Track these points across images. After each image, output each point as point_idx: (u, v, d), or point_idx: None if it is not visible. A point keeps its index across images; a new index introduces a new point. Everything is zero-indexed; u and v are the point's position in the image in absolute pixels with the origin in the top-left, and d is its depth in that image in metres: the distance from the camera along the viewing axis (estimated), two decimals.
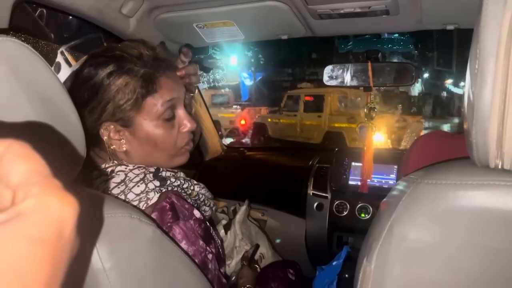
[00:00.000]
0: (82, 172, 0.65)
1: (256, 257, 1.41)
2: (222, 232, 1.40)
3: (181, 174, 1.02)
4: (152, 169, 0.95)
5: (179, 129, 1.00)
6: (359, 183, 1.74)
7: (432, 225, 0.56)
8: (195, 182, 1.05)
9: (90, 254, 0.57)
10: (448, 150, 0.83)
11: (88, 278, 0.58)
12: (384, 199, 0.67)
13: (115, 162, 0.94)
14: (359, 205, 1.70)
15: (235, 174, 2.12)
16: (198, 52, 1.76)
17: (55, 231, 0.25)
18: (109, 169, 0.92)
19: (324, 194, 1.78)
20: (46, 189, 0.27)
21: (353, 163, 1.81)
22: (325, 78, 1.72)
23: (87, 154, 0.99)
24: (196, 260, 0.86)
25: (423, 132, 11.06)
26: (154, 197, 0.88)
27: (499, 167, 0.53)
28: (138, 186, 0.89)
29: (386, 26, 1.44)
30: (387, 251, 0.59)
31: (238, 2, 1.31)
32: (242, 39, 1.58)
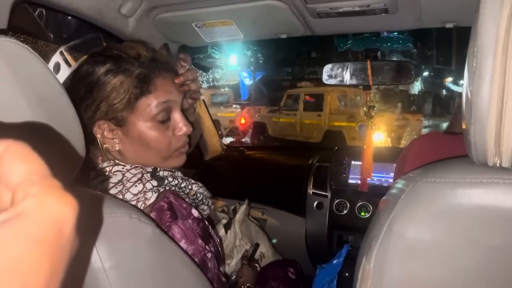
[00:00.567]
0: (80, 171, 0.65)
1: (256, 256, 1.41)
2: (222, 231, 1.40)
3: (179, 174, 1.02)
4: (150, 169, 0.95)
5: (174, 131, 0.99)
6: (359, 181, 1.75)
7: (431, 223, 0.56)
8: (192, 181, 1.05)
9: (90, 254, 0.57)
10: (444, 150, 0.83)
11: (88, 278, 0.58)
12: (383, 198, 0.67)
13: (112, 161, 0.94)
14: (359, 204, 1.70)
15: (235, 173, 2.12)
16: (197, 51, 1.76)
17: (55, 230, 0.26)
18: (107, 169, 0.92)
19: (324, 193, 1.78)
20: (46, 189, 0.27)
21: (353, 162, 1.81)
22: (324, 77, 1.72)
23: (86, 153, 1.00)
24: (196, 259, 0.86)
25: (423, 130, 11.07)
26: (152, 197, 0.88)
27: (497, 165, 0.53)
28: (136, 186, 0.89)
29: (385, 24, 1.44)
30: (386, 250, 0.59)
31: (237, 1, 1.31)
32: (241, 38, 1.58)
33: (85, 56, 1.01)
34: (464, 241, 0.55)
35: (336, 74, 1.70)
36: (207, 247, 0.91)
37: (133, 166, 0.93)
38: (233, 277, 1.27)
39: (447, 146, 0.87)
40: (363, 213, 1.68)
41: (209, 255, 0.91)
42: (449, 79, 19.00)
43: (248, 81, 19.18)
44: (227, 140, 10.56)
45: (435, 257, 0.57)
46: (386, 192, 0.70)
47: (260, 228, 1.58)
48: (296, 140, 10.77)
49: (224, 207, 1.63)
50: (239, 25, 1.46)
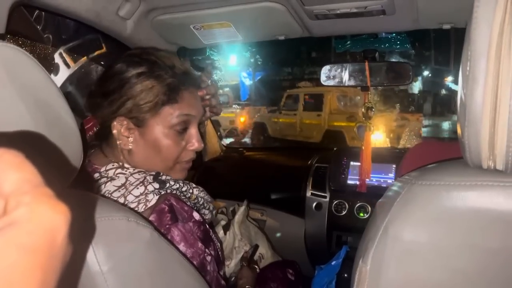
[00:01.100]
0: (83, 173, 0.65)
1: (256, 257, 1.42)
2: (221, 232, 1.40)
3: None
4: (153, 173, 0.96)
5: (186, 145, 1.03)
6: (357, 182, 1.75)
7: (427, 226, 0.56)
8: (194, 185, 1.06)
9: (85, 257, 0.58)
10: (443, 157, 0.83)
11: (86, 281, 0.58)
12: (380, 200, 0.67)
13: (116, 164, 0.95)
14: (358, 205, 1.70)
15: (234, 174, 2.12)
16: (196, 53, 1.77)
17: (47, 239, 0.26)
18: (110, 172, 0.93)
19: (323, 194, 1.79)
20: (38, 198, 0.27)
21: (351, 163, 1.81)
22: (323, 78, 1.72)
23: (94, 151, 1.01)
24: (195, 262, 0.86)
25: (423, 130, 11.08)
26: (153, 199, 0.88)
27: (492, 167, 0.53)
28: (138, 188, 0.90)
29: (382, 26, 1.44)
30: (383, 252, 0.59)
31: (234, 3, 1.32)
32: (239, 40, 1.58)
33: (83, 58, 1.04)
34: (460, 243, 0.56)
35: (334, 75, 1.70)
36: (207, 250, 0.91)
37: (136, 171, 0.94)
38: (232, 279, 1.28)
39: (446, 152, 0.87)
40: (362, 214, 1.69)
41: (208, 258, 0.91)
42: (449, 78, 19.00)
43: (248, 82, 19.18)
44: (227, 141, 10.57)
45: (431, 260, 0.57)
46: (384, 193, 0.71)
47: (259, 229, 1.58)
48: (296, 140, 10.78)
49: (223, 208, 1.63)
50: (237, 27, 1.46)
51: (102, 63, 1.88)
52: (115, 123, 0.96)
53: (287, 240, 1.83)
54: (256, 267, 1.35)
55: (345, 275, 1.40)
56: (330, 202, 1.76)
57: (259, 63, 19.80)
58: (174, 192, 0.96)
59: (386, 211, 0.60)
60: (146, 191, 0.90)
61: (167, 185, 0.96)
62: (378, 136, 8.51)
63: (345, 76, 1.68)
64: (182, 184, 1.01)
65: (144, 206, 0.87)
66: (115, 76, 0.96)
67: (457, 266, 0.57)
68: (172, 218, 0.87)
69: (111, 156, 0.99)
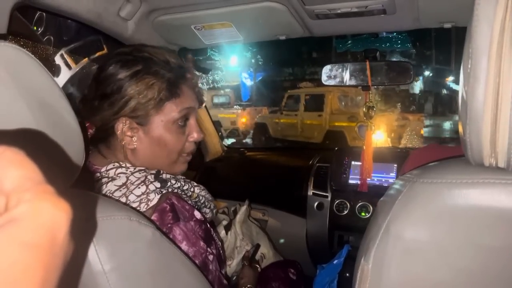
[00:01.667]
0: (84, 173, 0.66)
1: (257, 257, 1.42)
2: (222, 232, 1.40)
3: (181, 176, 1.03)
4: (153, 171, 0.96)
5: (187, 137, 1.04)
6: (359, 182, 1.75)
7: (428, 224, 0.56)
8: (195, 184, 1.07)
9: (86, 256, 0.58)
10: (441, 158, 0.83)
11: (88, 281, 0.58)
12: (381, 199, 0.67)
13: (117, 163, 0.95)
14: (359, 204, 1.70)
15: (235, 174, 2.13)
16: (197, 53, 1.77)
17: (48, 236, 0.26)
18: (111, 171, 0.93)
19: (324, 194, 1.79)
20: (39, 195, 0.27)
21: (353, 162, 1.81)
22: (324, 77, 1.72)
23: (92, 153, 1.01)
24: (197, 261, 0.87)
25: (424, 130, 11.06)
26: (154, 198, 0.89)
27: (493, 165, 0.53)
28: (139, 187, 0.90)
29: (383, 25, 1.44)
30: (384, 250, 0.59)
31: (235, 3, 1.32)
32: (240, 40, 1.58)
33: (85, 59, 1.03)
34: (461, 241, 0.56)
35: (335, 75, 1.70)
36: (208, 249, 0.91)
37: (137, 170, 0.94)
38: (234, 278, 1.28)
39: (445, 154, 0.87)
40: (363, 214, 1.69)
41: (210, 257, 0.91)
42: (450, 78, 18.98)
43: (249, 82, 19.19)
44: (228, 141, 10.57)
45: (433, 258, 0.57)
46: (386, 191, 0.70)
47: (261, 229, 1.58)
48: (297, 140, 10.78)
49: (225, 208, 1.63)
50: (238, 27, 1.46)
51: None
52: (118, 124, 0.95)
53: (289, 239, 1.83)
54: (258, 266, 1.35)
55: (347, 274, 1.40)
56: (331, 202, 1.76)
57: (260, 63, 19.81)
58: (176, 191, 0.97)
59: (387, 210, 0.60)
60: (148, 190, 0.90)
61: (168, 184, 0.96)
62: (379, 136, 8.51)
63: (346, 75, 1.68)
64: (183, 183, 1.01)
65: (146, 206, 0.87)
66: (111, 77, 0.95)
67: (458, 265, 0.57)
68: (174, 217, 0.87)
69: (110, 157, 0.99)
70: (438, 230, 0.56)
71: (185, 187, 1.01)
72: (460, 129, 0.57)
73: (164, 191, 0.92)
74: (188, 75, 1.04)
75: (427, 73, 19.47)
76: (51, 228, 0.26)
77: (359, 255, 0.67)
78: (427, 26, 1.39)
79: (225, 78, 17.91)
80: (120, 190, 0.89)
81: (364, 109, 1.67)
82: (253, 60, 19.43)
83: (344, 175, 1.80)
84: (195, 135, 1.05)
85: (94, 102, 0.95)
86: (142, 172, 0.94)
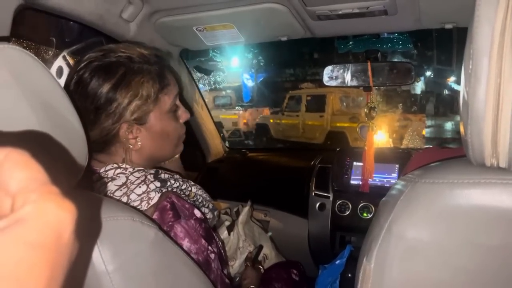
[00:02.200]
0: (83, 175, 0.66)
1: (260, 258, 1.42)
2: (225, 233, 1.41)
3: (178, 176, 1.04)
4: (152, 171, 0.97)
5: (179, 120, 1.06)
6: (360, 182, 1.75)
7: (430, 224, 0.56)
8: (192, 183, 1.07)
9: (90, 257, 0.58)
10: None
11: (92, 281, 0.59)
12: (383, 199, 0.67)
13: (115, 164, 0.95)
14: (361, 205, 1.70)
15: (237, 175, 2.13)
16: (199, 55, 1.77)
17: (53, 236, 0.26)
18: (110, 172, 0.93)
19: (326, 194, 1.79)
20: (44, 196, 0.27)
21: (354, 163, 1.81)
22: (325, 78, 1.72)
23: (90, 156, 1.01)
24: (200, 258, 0.87)
25: (426, 131, 11.04)
26: (155, 197, 0.89)
27: (495, 165, 0.54)
28: (140, 187, 0.90)
29: (384, 26, 1.44)
30: (386, 251, 0.59)
31: (237, 5, 1.32)
32: (242, 41, 1.59)
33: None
34: (463, 241, 0.56)
35: (336, 75, 1.71)
36: (209, 247, 0.92)
37: (135, 170, 0.94)
38: (237, 279, 1.28)
39: (446, 156, 0.87)
40: (365, 214, 1.69)
41: (212, 255, 0.92)
42: (452, 78, 18.95)
43: (250, 83, 19.19)
44: (230, 142, 10.57)
45: (435, 258, 0.57)
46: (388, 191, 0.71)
47: (263, 230, 1.59)
48: (298, 141, 10.78)
49: (227, 209, 1.63)
50: (239, 28, 1.47)
51: None
52: (122, 131, 0.94)
53: (291, 240, 1.83)
54: (261, 267, 1.35)
55: (349, 274, 1.40)
56: (333, 202, 1.76)
57: (261, 64, 19.81)
58: (175, 190, 0.97)
59: (389, 210, 0.60)
60: (148, 189, 0.90)
61: (168, 183, 0.96)
62: (380, 136, 8.51)
63: (348, 76, 1.69)
64: (181, 182, 1.02)
65: (147, 204, 0.88)
66: (99, 88, 0.91)
67: (460, 264, 0.57)
68: (175, 215, 0.87)
69: (108, 161, 0.97)
70: (440, 230, 0.56)
71: (183, 187, 1.02)
72: (462, 129, 0.57)
73: (164, 190, 0.93)
74: (167, 62, 1.06)
75: (428, 73, 19.45)
76: (57, 228, 0.27)
77: (361, 255, 0.67)
78: (428, 27, 1.39)
79: (226, 79, 17.91)
80: (121, 190, 0.90)
81: (365, 109, 1.67)
82: (254, 61, 19.43)
83: (346, 176, 1.80)
84: (183, 115, 1.07)
85: (90, 116, 0.92)
86: (141, 172, 0.94)
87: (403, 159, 1.69)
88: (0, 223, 0.25)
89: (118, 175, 0.93)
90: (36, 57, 0.57)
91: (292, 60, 19.70)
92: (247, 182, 2.05)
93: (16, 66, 0.54)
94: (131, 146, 0.97)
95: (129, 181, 0.91)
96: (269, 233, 1.61)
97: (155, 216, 0.86)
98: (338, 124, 10.14)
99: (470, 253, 0.56)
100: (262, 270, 1.34)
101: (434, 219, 0.56)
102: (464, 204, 0.54)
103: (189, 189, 1.04)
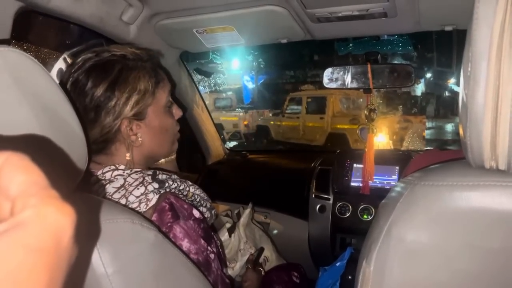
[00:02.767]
0: (82, 178, 0.66)
1: (260, 260, 1.42)
2: (226, 235, 1.40)
3: (176, 176, 1.04)
4: (150, 172, 0.97)
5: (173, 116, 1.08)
6: (361, 184, 1.75)
7: (430, 226, 0.56)
8: (190, 183, 1.07)
9: (90, 259, 0.58)
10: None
11: (91, 283, 0.59)
12: (382, 201, 0.67)
13: (113, 166, 0.95)
14: (362, 207, 1.70)
15: (237, 177, 2.13)
16: (199, 57, 1.78)
17: (53, 240, 0.26)
18: (107, 174, 0.93)
19: (326, 196, 1.79)
20: (44, 200, 0.27)
21: (354, 165, 1.81)
22: (325, 80, 1.73)
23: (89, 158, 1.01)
24: (200, 258, 0.87)
25: (426, 132, 11.04)
26: (153, 198, 0.89)
27: (494, 168, 0.54)
28: (138, 188, 0.90)
29: (384, 28, 1.45)
30: (386, 253, 0.59)
31: (237, 7, 1.33)
32: (242, 43, 1.59)
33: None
34: (462, 243, 0.56)
35: (336, 77, 1.71)
36: (209, 248, 0.92)
37: (133, 171, 0.94)
38: (238, 281, 1.28)
39: (445, 159, 0.87)
40: (365, 216, 1.69)
41: (211, 256, 0.92)
42: (452, 80, 18.96)
43: (251, 85, 19.20)
44: (230, 144, 10.58)
45: (434, 260, 0.57)
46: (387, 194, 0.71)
47: (264, 232, 1.59)
48: (299, 143, 10.78)
49: (228, 211, 1.63)
50: (239, 31, 1.47)
51: None
52: (123, 127, 0.95)
53: (291, 242, 1.83)
54: (261, 269, 1.35)
55: (349, 277, 1.40)
56: (333, 204, 1.76)
57: (262, 66, 19.83)
58: (173, 191, 0.97)
59: (389, 212, 0.60)
60: (146, 191, 0.90)
61: (166, 184, 0.96)
62: (381, 138, 8.50)
63: (348, 78, 1.69)
64: (179, 183, 1.02)
65: (146, 206, 0.88)
66: (97, 87, 0.92)
67: (459, 266, 0.57)
68: (173, 215, 0.87)
69: (106, 162, 0.96)
70: (439, 232, 0.56)
71: (181, 187, 1.02)
72: (461, 131, 0.57)
73: (163, 191, 0.93)
74: (157, 59, 1.07)
75: (428, 75, 19.46)
76: (56, 232, 0.27)
77: (360, 257, 0.67)
78: (428, 29, 1.39)
79: (227, 81, 17.92)
80: (119, 192, 0.90)
81: (365, 111, 1.67)
82: (255, 63, 19.45)
83: (346, 178, 1.80)
84: (178, 113, 1.09)
85: (90, 115, 0.93)
86: (139, 173, 0.94)
87: (404, 161, 1.69)
88: None
89: (116, 177, 0.92)
90: (36, 60, 0.58)
91: (293, 62, 19.72)
92: (247, 184, 2.05)
93: (17, 69, 0.54)
94: (130, 142, 0.97)
95: (127, 183, 0.91)
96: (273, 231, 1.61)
97: (154, 217, 0.86)
98: (338, 126, 10.13)
99: (470, 255, 0.56)
100: (263, 273, 1.34)
101: (433, 222, 0.56)
102: (464, 206, 0.54)
103: (187, 189, 1.05)
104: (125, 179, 0.92)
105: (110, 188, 0.90)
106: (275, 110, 13.83)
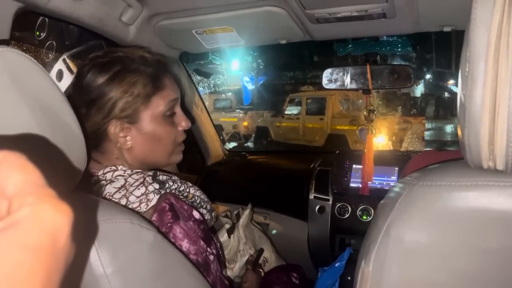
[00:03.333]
0: (82, 177, 0.66)
1: (260, 261, 1.42)
2: (225, 236, 1.40)
3: (176, 177, 1.04)
4: (150, 173, 0.97)
5: (177, 127, 1.06)
6: (360, 185, 1.75)
7: (428, 227, 0.56)
8: (190, 184, 1.07)
9: (87, 259, 0.58)
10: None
11: (90, 284, 0.59)
12: (381, 201, 0.67)
13: (114, 167, 0.95)
14: (361, 207, 1.70)
15: (237, 178, 2.13)
16: (198, 58, 1.78)
17: (49, 239, 0.26)
18: (108, 174, 0.94)
19: (325, 197, 1.79)
20: (41, 199, 0.27)
21: (354, 166, 1.81)
22: (324, 81, 1.73)
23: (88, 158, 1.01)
24: (199, 259, 0.87)
25: (425, 133, 11.04)
26: (154, 198, 0.89)
27: (492, 168, 0.54)
28: (139, 189, 0.91)
29: (383, 29, 1.45)
30: (384, 253, 0.59)
31: (236, 8, 1.33)
32: (241, 44, 1.59)
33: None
34: (461, 243, 0.56)
35: (336, 78, 1.71)
36: (208, 249, 0.92)
37: (134, 172, 0.95)
38: (237, 282, 1.28)
39: (444, 159, 0.88)
40: (365, 217, 1.69)
41: (211, 257, 0.92)
42: (451, 81, 18.95)
43: (250, 86, 19.20)
44: (230, 145, 10.57)
45: (433, 260, 0.58)
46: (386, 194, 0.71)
47: (263, 233, 1.58)
48: (298, 144, 10.77)
49: (227, 212, 1.63)
50: (239, 32, 1.47)
51: None
52: (110, 127, 0.95)
53: (291, 243, 1.82)
54: (261, 270, 1.35)
55: (349, 277, 1.40)
56: (333, 205, 1.76)
57: (261, 67, 19.83)
58: (173, 191, 0.97)
59: (387, 213, 0.60)
60: (147, 191, 0.91)
61: (166, 185, 0.97)
62: (380, 139, 8.50)
63: (347, 79, 1.69)
64: (180, 184, 1.02)
65: (146, 206, 0.88)
66: (93, 82, 0.94)
67: (458, 267, 0.57)
68: (173, 216, 0.88)
69: (105, 162, 0.98)
70: (438, 232, 0.56)
71: (181, 188, 1.03)
72: (459, 131, 0.57)
73: (163, 192, 0.93)
74: (168, 68, 1.07)
75: (428, 76, 19.44)
76: (53, 231, 0.27)
77: (359, 258, 0.67)
78: (427, 29, 1.39)
79: (226, 82, 17.91)
80: (120, 192, 0.90)
81: (365, 112, 1.67)
82: (254, 64, 19.45)
83: (345, 179, 1.80)
84: (183, 124, 1.07)
85: (82, 110, 0.95)
86: (140, 174, 0.95)
87: (403, 162, 1.69)
88: None
89: (117, 178, 0.93)
90: (35, 61, 0.58)
91: (292, 63, 19.71)
92: (246, 185, 2.05)
93: (16, 69, 0.54)
94: (119, 144, 0.97)
95: (127, 183, 0.92)
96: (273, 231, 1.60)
97: (154, 218, 0.86)
98: (338, 127, 10.13)
99: (468, 255, 0.56)
100: (262, 274, 1.34)
101: (432, 222, 0.56)
102: (462, 207, 0.54)
103: (187, 190, 1.05)
104: (125, 180, 0.92)
105: (110, 188, 0.91)
106: (274, 111, 13.83)
